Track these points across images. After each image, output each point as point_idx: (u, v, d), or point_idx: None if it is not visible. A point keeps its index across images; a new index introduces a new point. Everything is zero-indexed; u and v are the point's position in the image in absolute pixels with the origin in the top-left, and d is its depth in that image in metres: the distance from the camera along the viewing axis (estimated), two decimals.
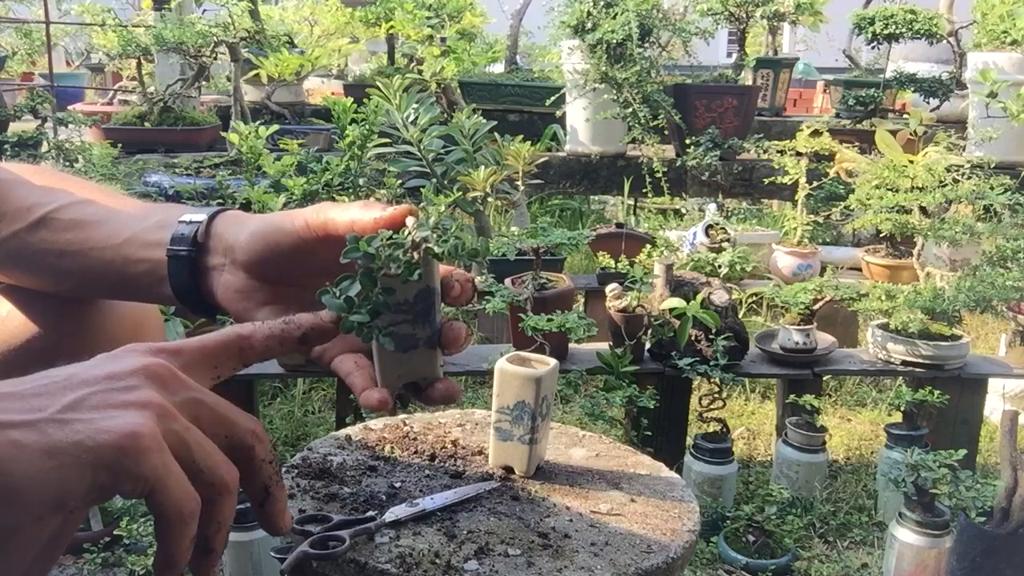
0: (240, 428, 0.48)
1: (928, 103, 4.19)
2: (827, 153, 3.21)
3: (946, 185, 2.57)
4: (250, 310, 0.67)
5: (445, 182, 3.13)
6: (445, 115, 3.64)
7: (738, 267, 3.08)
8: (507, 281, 2.39)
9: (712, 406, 2.20)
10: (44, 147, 3.28)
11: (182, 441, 0.45)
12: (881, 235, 2.94)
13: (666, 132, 3.85)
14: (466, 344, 0.62)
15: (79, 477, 0.41)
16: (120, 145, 3.41)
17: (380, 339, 0.58)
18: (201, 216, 0.66)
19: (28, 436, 0.41)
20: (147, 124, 3.78)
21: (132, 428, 0.42)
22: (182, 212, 0.67)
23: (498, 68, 5.36)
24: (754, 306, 3.31)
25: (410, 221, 0.58)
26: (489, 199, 3.03)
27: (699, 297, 2.21)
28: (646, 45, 3.77)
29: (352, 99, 2.94)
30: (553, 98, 4.09)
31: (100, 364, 0.46)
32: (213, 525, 0.46)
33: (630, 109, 3.69)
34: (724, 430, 2.21)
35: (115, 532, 1.82)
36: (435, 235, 0.57)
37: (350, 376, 0.64)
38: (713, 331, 2.19)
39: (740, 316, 2.62)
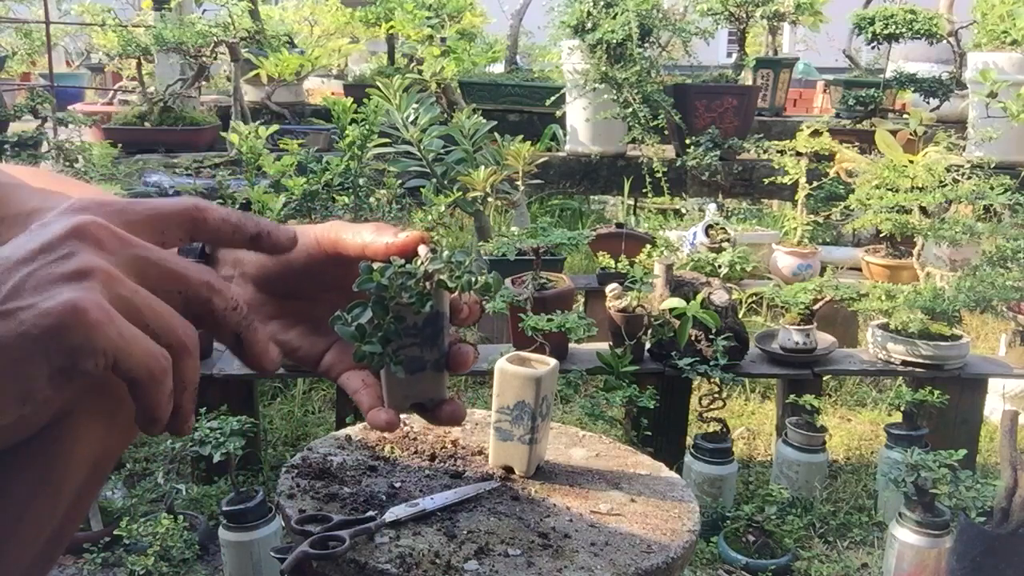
0: (193, 281, 0.46)
1: (928, 103, 4.19)
2: (827, 153, 3.21)
3: (946, 185, 2.57)
4: (257, 323, 0.67)
5: (445, 182, 3.13)
6: (445, 115, 3.64)
7: (738, 267, 3.08)
8: (507, 281, 2.39)
9: (712, 406, 2.20)
10: (44, 147, 3.27)
11: (131, 306, 0.43)
12: (881, 235, 2.94)
13: (666, 132, 3.86)
14: (472, 364, 0.62)
15: (36, 368, 0.40)
16: (120, 145, 3.41)
17: (392, 367, 0.59)
18: None
19: None
20: (147, 124, 3.78)
21: (74, 304, 0.40)
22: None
23: (498, 68, 5.36)
24: (754, 306, 3.31)
25: (422, 250, 0.59)
26: (489, 199, 3.04)
27: (699, 297, 2.21)
28: (646, 45, 3.77)
29: (352, 99, 2.95)
30: (553, 98, 4.09)
31: (33, 236, 0.43)
32: (178, 386, 0.45)
33: (630, 109, 3.69)
34: (724, 430, 2.21)
35: (115, 532, 1.82)
36: (448, 269, 0.58)
37: (357, 394, 0.65)
38: (713, 331, 2.19)
39: (740, 316, 2.62)
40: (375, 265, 0.59)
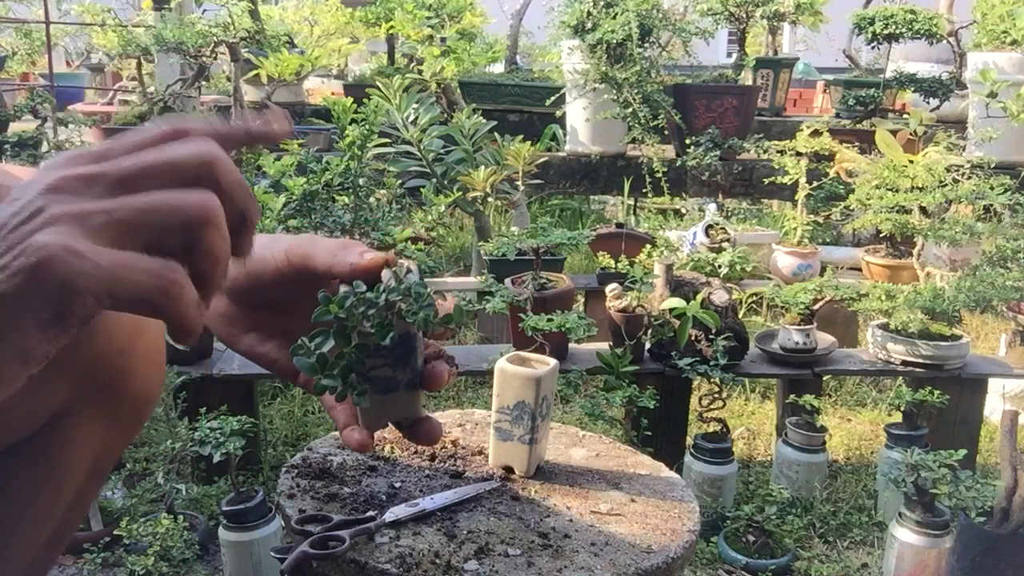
0: (185, 162, 0.43)
1: (928, 103, 4.19)
2: (827, 153, 3.21)
3: (946, 185, 2.57)
4: (235, 335, 0.67)
5: (445, 182, 3.13)
6: (445, 115, 3.64)
7: (738, 267, 3.08)
8: (507, 281, 2.39)
9: (712, 406, 2.20)
10: (44, 147, 3.28)
11: (116, 226, 0.40)
12: (881, 235, 2.94)
13: (666, 132, 3.85)
14: (449, 382, 0.61)
15: (25, 327, 0.39)
16: None
17: (354, 398, 0.57)
18: None
19: None
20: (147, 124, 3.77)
21: (39, 254, 0.39)
22: None
23: (498, 68, 5.36)
24: (754, 306, 3.31)
25: (385, 274, 0.58)
26: (489, 199, 3.04)
27: (699, 297, 2.21)
28: (646, 45, 3.77)
29: (352, 99, 2.94)
30: (553, 98, 4.09)
31: (8, 203, 0.41)
32: (207, 260, 0.42)
33: (630, 109, 3.69)
34: (724, 430, 2.21)
35: (115, 532, 1.82)
36: (406, 303, 0.56)
37: (333, 411, 0.64)
38: (713, 331, 2.19)
39: (740, 316, 2.62)
40: (339, 292, 0.57)
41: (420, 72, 3.70)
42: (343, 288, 0.58)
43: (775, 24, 4.87)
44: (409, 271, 0.59)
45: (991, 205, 2.61)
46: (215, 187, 0.43)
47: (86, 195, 0.41)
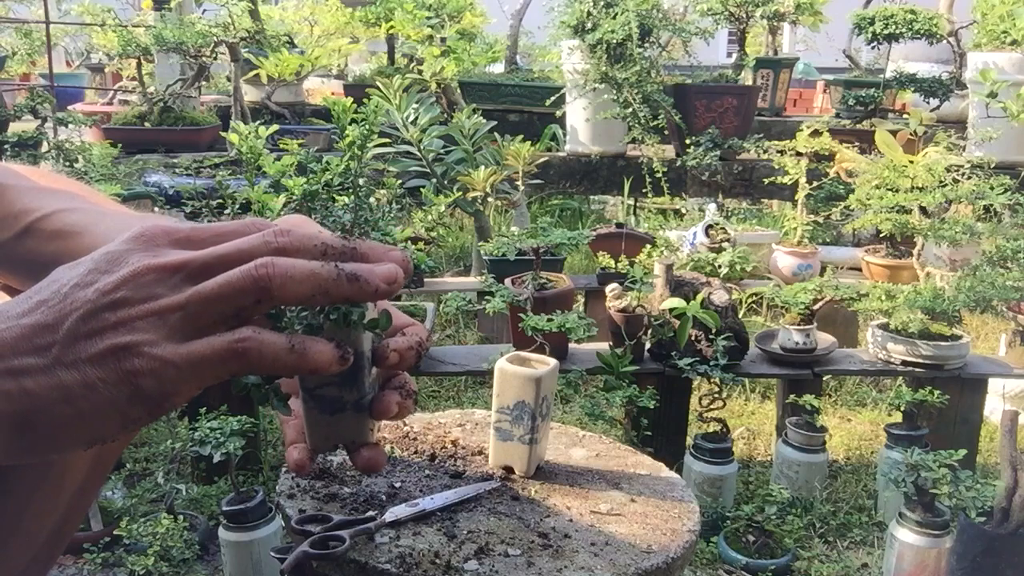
0: (256, 249, 0.44)
1: (928, 103, 4.19)
2: (827, 153, 3.21)
3: (946, 185, 2.57)
4: None
5: (445, 182, 3.13)
6: (445, 115, 3.64)
7: (738, 267, 3.08)
8: (507, 281, 2.39)
9: (712, 406, 2.20)
10: (44, 147, 3.28)
11: (193, 315, 0.43)
12: (881, 235, 2.94)
13: (666, 132, 3.86)
14: (404, 415, 0.57)
15: (106, 418, 0.42)
16: (120, 145, 3.41)
17: (275, 404, 0.56)
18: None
19: (41, 383, 0.41)
20: (147, 124, 3.78)
21: (133, 367, 0.41)
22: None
23: (498, 68, 5.36)
24: (754, 306, 3.31)
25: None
26: (489, 199, 3.04)
27: (699, 297, 2.21)
28: (646, 45, 3.77)
29: (352, 99, 2.94)
30: (553, 98, 4.09)
31: (94, 273, 0.44)
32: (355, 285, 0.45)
33: (630, 109, 3.69)
34: (724, 430, 2.21)
35: (115, 532, 1.82)
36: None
37: (285, 425, 0.63)
38: (713, 331, 2.19)
39: (740, 316, 2.62)
40: None
41: (420, 72, 3.70)
42: None
43: (775, 24, 4.87)
44: None
45: (991, 205, 2.61)
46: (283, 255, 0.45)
47: (165, 285, 0.44)
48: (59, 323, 0.42)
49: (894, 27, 3.96)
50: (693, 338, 2.23)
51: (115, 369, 0.42)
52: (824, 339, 2.42)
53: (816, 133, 3.23)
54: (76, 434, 0.43)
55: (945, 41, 4.24)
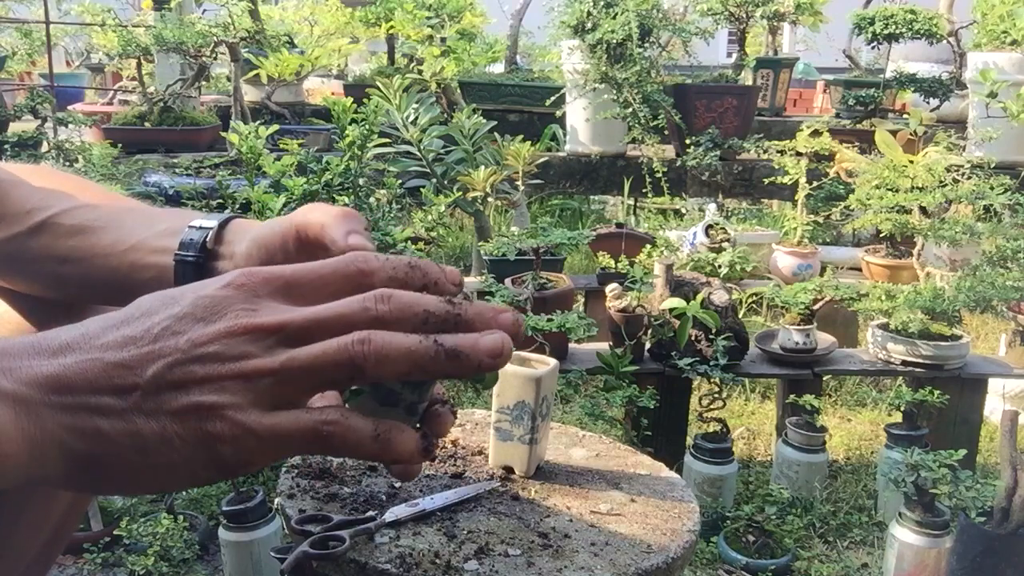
0: (356, 317, 0.43)
1: (928, 103, 4.18)
2: (827, 153, 3.21)
3: (946, 185, 2.57)
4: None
5: (445, 182, 3.13)
6: (445, 115, 3.64)
7: (738, 267, 3.08)
8: (507, 281, 2.39)
9: (712, 406, 2.20)
10: (44, 147, 3.28)
11: (283, 382, 0.41)
12: (881, 235, 2.94)
13: (666, 132, 3.85)
14: (447, 431, 0.56)
15: (176, 475, 0.41)
16: (120, 145, 3.41)
17: (347, 396, 0.55)
18: (212, 222, 0.65)
19: (117, 427, 0.40)
20: (147, 124, 3.78)
21: (215, 430, 0.40)
22: (192, 218, 0.66)
23: (498, 68, 5.36)
24: (754, 306, 3.31)
25: None
26: (489, 199, 3.04)
27: (699, 297, 2.21)
28: (646, 45, 3.77)
29: (352, 99, 2.94)
30: (553, 98, 4.09)
31: (190, 319, 0.42)
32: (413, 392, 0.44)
33: (630, 109, 3.69)
34: (724, 430, 2.21)
35: (115, 532, 1.82)
36: None
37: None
38: (713, 331, 2.19)
39: (740, 316, 2.62)
40: None
41: (420, 72, 3.70)
42: None
43: (775, 24, 4.87)
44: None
45: (991, 205, 2.61)
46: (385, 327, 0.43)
47: (259, 346, 0.42)
48: (144, 366, 0.40)
49: (894, 27, 3.96)
50: (693, 338, 2.23)
51: (195, 428, 0.40)
52: (824, 339, 2.42)
53: (816, 133, 3.23)
54: (142, 484, 0.42)
55: (945, 41, 4.24)
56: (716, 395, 2.20)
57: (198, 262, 0.64)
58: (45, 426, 0.39)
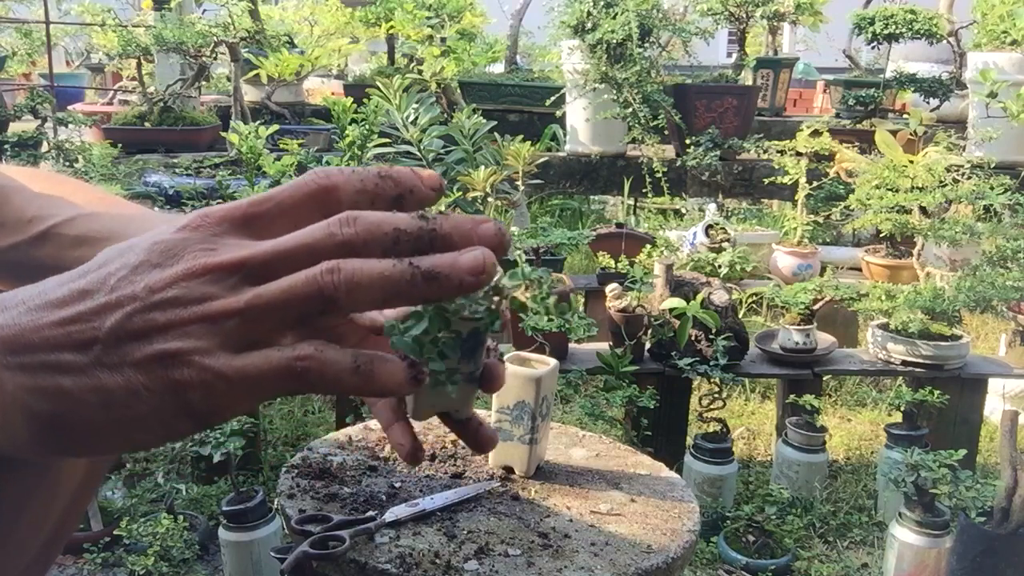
0: (323, 247, 0.40)
1: (928, 103, 4.19)
2: (827, 153, 3.21)
3: (946, 185, 2.57)
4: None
5: (445, 182, 3.13)
6: (445, 115, 3.64)
7: (738, 267, 3.08)
8: None
9: (712, 406, 2.20)
10: (44, 147, 3.28)
11: (250, 321, 0.39)
12: (881, 235, 2.94)
13: (666, 132, 3.85)
14: (501, 382, 0.57)
15: (147, 429, 0.39)
16: (120, 145, 3.41)
17: (449, 387, 0.56)
18: None
19: (80, 384, 0.38)
20: (147, 124, 3.78)
21: (182, 377, 0.38)
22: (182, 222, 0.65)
23: (498, 68, 5.36)
24: (754, 306, 3.31)
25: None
26: (489, 199, 3.03)
27: (699, 297, 2.21)
28: (646, 45, 3.77)
29: (352, 99, 2.95)
30: (553, 98, 4.09)
31: (145, 266, 0.40)
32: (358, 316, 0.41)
33: (630, 109, 3.69)
34: (724, 430, 2.21)
35: (115, 532, 1.82)
36: (529, 287, 0.53)
37: (375, 406, 0.62)
38: (713, 331, 2.19)
39: (740, 316, 2.62)
40: None
41: (420, 72, 3.70)
42: None
43: (775, 24, 4.87)
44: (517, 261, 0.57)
45: (991, 205, 2.61)
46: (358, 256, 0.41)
47: (222, 285, 0.40)
48: (102, 317, 0.39)
49: (894, 27, 3.96)
50: (693, 338, 2.23)
51: (162, 377, 0.38)
52: (824, 339, 2.42)
53: (816, 133, 3.23)
54: (114, 441, 0.39)
55: (945, 41, 4.24)
56: (716, 395, 2.20)
57: None
58: (5, 388, 0.38)
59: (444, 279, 0.41)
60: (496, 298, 0.53)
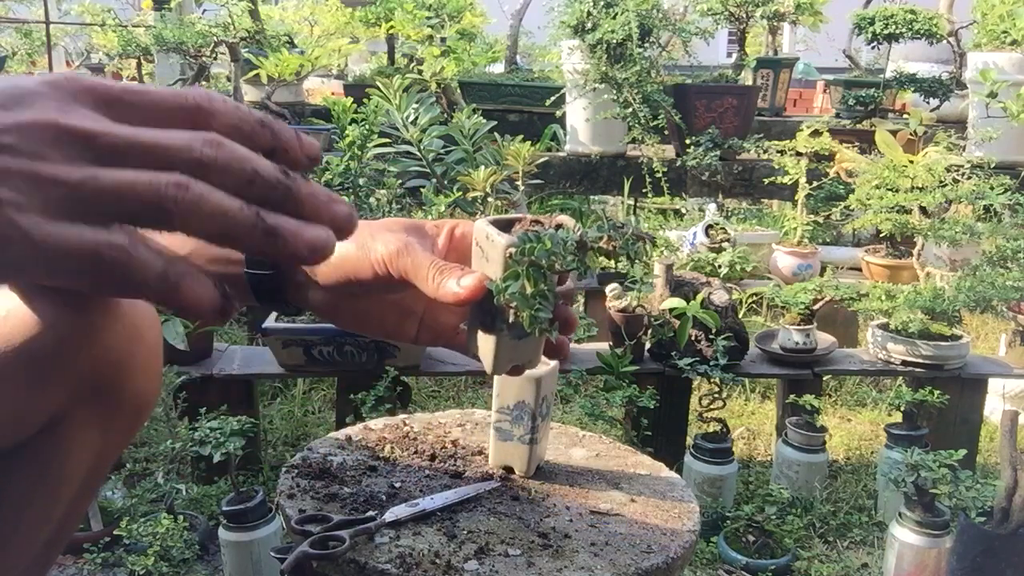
0: (178, 154, 0.38)
1: (928, 103, 4.19)
2: (827, 153, 3.21)
3: (946, 185, 2.57)
4: (348, 322, 0.67)
5: (445, 182, 3.13)
6: (445, 115, 3.64)
7: (738, 267, 3.08)
8: None
9: (712, 406, 2.20)
10: None
11: (77, 199, 0.37)
12: (881, 235, 2.94)
13: (666, 132, 3.85)
14: (575, 327, 0.63)
15: None
16: None
17: (552, 335, 0.59)
18: None
19: None
20: None
21: None
22: None
23: (498, 68, 5.36)
24: (754, 306, 3.31)
25: (569, 221, 0.59)
26: (489, 199, 3.03)
27: (699, 297, 2.21)
28: (646, 45, 3.77)
29: (352, 99, 2.94)
30: (553, 98, 4.08)
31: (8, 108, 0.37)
32: (209, 219, 0.38)
33: (630, 109, 3.69)
34: (724, 430, 2.21)
35: (115, 532, 1.82)
36: (615, 237, 0.58)
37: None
38: (713, 331, 2.19)
39: (740, 316, 2.62)
40: (540, 233, 0.59)
41: (420, 72, 3.70)
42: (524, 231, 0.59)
43: (775, 24, 4.87)
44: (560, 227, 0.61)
45: (991, 205, 2.61)
46: (208, 179, 0.39)
47: (63, 151, 0.37)
48: None
49: (894, 27, 3.96)
50: (693, 338, 2.23)
51: None
52: (824, 339, 2.42)
53: (816, 133, 3.23)
54: None
55: (945, 41, 4.24)
56: (716, 395, 2.20)
57: (272, 275, 0.61)
58: None
59: (283, 243, 0.40)
60: (581, 252, 0.57)
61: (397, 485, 0.98)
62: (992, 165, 3.01)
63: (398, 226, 0.63)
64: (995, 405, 2.62)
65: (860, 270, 3.32)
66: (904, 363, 2.35)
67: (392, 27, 4.44)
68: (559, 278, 0.60)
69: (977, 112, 3.69)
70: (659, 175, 3.69)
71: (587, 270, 0.58)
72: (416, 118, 3.04)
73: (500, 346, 0.61)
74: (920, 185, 2.57)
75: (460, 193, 2.95)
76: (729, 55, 6.12)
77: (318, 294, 0.64)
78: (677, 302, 2.19)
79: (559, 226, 0.59)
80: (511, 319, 0.59)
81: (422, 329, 0.68)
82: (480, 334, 0.62)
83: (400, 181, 2.97)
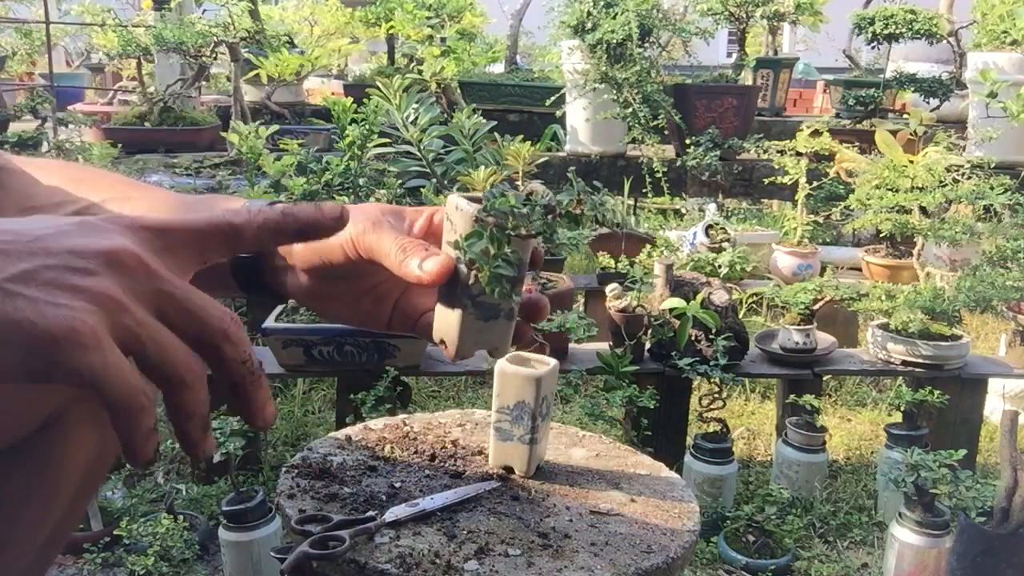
0: (209, 327, 0.46)
1: (928, 103, 4.19)
2: (827, 153, 3.21)
3: (946, 185, 2.57)
4: (325, 307, 0.69)
5: (445, 182, 3.13)
6: (445, 115, 3.64)
7: (738, 267, 3.08)
8: None
9: (712, 406, 2.20)
10: (44, 147, 3.28)
11: (133, 335, 0.43)
12: (881, 235, 2.94)
13: (666, 132, 3.85)
14: (546, 316, 0.63)
15: (8, 352, 0.40)
16: (120, 145, 3.41)
17: (514, 299, 0.58)
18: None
19: None
20: (147, 124, 3.78)
21: (71, 323, 0.40)
22: (227, 205, 0.65)
23: (498, 68, 5.36)
24: (754, 306, 3.31)
25: (540, 188, 0.59)
26: None
27: (699, 297, 2.21)
28: (646, 45, 3.77)
29: (352, 99, 2.94)
30: (553, 98, 4.09)
31: (72, 233, 0.44)
32: (181, 415, 0.46)
33: (630, 109, 3.69)
34: (724, 430, 2.21)
35: (115, 532, 1.82)
36: (577, 200, 0.58)
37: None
38: (713, 331, 2.19)
39: (740, 316, 2.61)
40: (506, 192, 0.58)
41: (420, 72, 3.70)
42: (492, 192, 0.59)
43: (775, 24, 4.87)
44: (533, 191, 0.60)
45: (991, 205, 2.61)
46: (217, 358, 0.47)
47: (139, 285, 0.44)
48: (19, 253, 0.41)
49: (894, 27, 3.96)
50: (693, 338, 2.23)
51: (60, 315, 0.41)
52: (824, 339, 2.42)
53: (816, 133, 3.23)
54: None
55: (945, 41, 4.24)
56: (716, 395, 2.20)
57: (253, 260, 0.65)
58: None
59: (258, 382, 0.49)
60: (548, 216, 0.56)
61: (397, 485, 0.98)
62: (992, 165, 3.01)
63: (376, 210, 0.65)
64: (995, 405, 2.62)
65: (860, 270, 3.32)
66: (904, 363, 2.35)
67: (392, 27, 4.44)
68: (532, 255, 0.59)
69: (977, 112, 3.69)
70: (659, 175, 3.69)
71: (554, 235, 0.57)
72: (416, 118, 3.04)
73: (464, 325, 0.60)
74: (920, 185, 2.57)
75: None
76: (729, 55, 6.12)
77: (296, 279, 0.66)
78: (677, 302, 2.19)
79: (531, 192, 0.59)
80: (476, 293, 0.58)
81: (395, 313, 0.69)
82: (445, 312, 0.61)
83: (400, 181, 2.97)
